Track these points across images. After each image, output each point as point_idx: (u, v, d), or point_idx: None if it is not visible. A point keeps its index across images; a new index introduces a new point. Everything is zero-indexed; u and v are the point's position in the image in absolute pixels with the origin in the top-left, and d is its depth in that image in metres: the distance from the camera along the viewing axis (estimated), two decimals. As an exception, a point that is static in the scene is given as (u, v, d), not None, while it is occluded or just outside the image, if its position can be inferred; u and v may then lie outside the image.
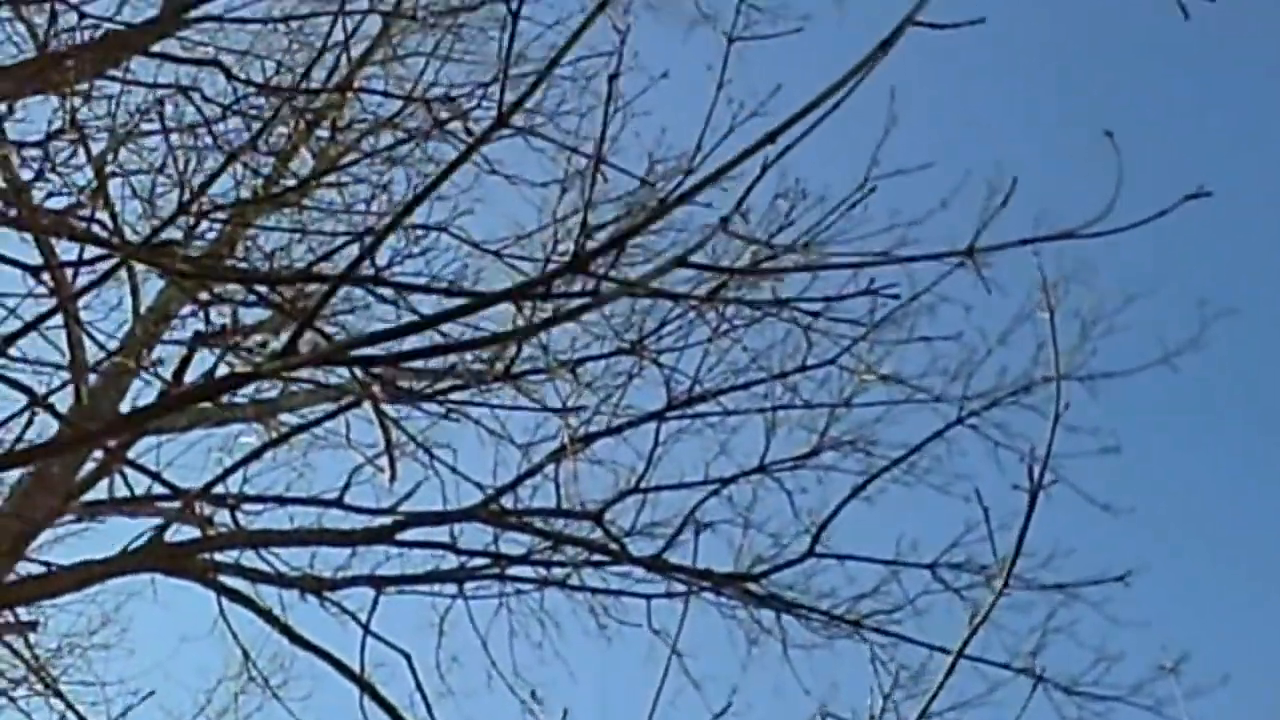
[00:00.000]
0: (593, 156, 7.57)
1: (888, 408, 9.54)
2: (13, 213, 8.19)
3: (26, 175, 8.72)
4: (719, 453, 9.53)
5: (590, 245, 5.44)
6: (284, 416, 10.10)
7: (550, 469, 9.51)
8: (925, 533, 9.41)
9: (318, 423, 9.96)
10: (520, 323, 7.52)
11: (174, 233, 8.77)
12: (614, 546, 9.34)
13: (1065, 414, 4.63)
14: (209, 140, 9.45)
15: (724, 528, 9.46)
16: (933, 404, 9.47)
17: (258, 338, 9.47)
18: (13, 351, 8.35)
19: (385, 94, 9.74)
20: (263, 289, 8.68)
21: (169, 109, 9.47)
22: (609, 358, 9.49)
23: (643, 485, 9.46)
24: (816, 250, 6.80)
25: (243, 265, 8.63)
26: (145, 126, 9.37)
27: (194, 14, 9.25)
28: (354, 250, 8.56)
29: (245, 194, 9.26)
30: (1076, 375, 8.62)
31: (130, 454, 9.77)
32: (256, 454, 9.75)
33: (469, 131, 9.13)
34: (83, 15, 9.12)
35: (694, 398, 9.52)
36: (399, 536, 9.36)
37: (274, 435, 9.93)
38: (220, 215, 8.94)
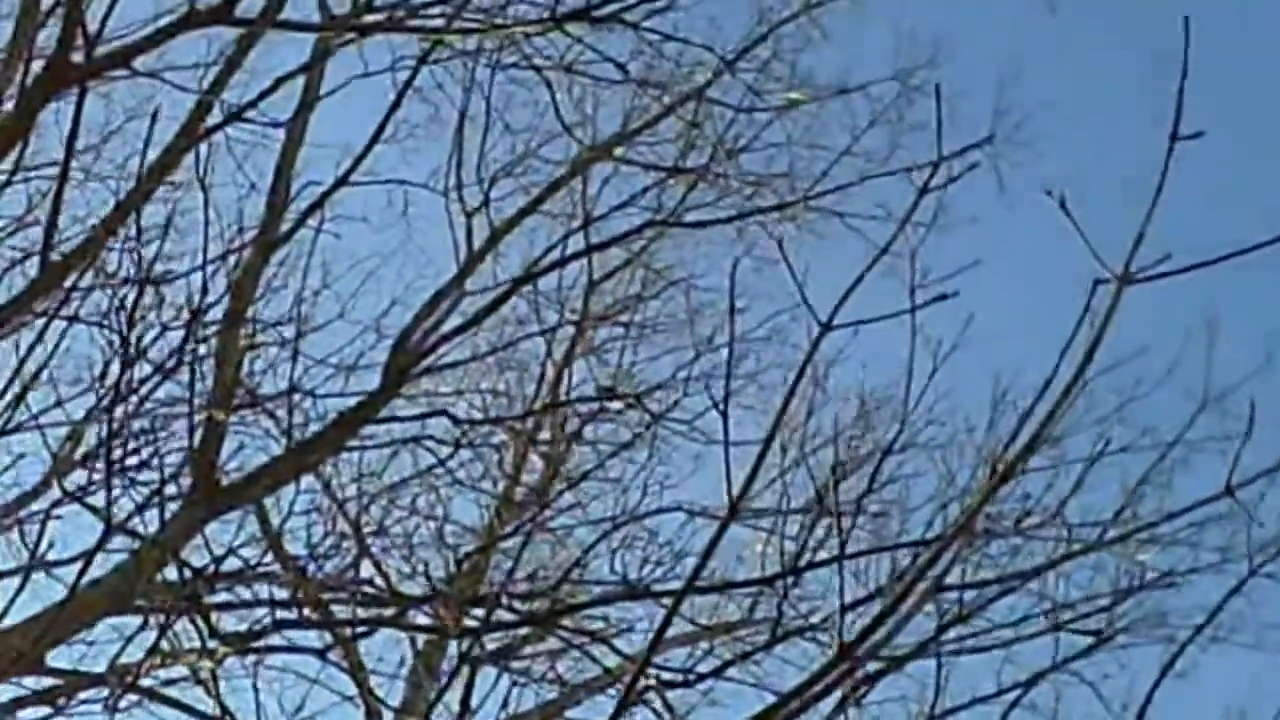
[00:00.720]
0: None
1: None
2: (296, 593, 9.04)
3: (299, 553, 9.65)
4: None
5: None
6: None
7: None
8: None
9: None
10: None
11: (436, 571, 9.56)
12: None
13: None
14: (446, 477, 10.33)
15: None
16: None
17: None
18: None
19: (596, 398, 10.48)
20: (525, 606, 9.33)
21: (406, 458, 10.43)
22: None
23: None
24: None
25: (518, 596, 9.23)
26: (388, 479, 10.31)
27: (416, 371, 10.17)
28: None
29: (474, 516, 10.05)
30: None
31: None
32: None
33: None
34: (316, 397, 10.15)
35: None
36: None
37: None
38: (470, 547, 9.70)
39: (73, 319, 8.18)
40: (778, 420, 4.09)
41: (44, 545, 7.65)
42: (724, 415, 4.48)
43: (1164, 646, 9.47)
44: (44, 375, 9.06)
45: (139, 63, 9.17)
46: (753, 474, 4.23)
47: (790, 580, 7.74)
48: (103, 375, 6.45)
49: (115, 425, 8.09)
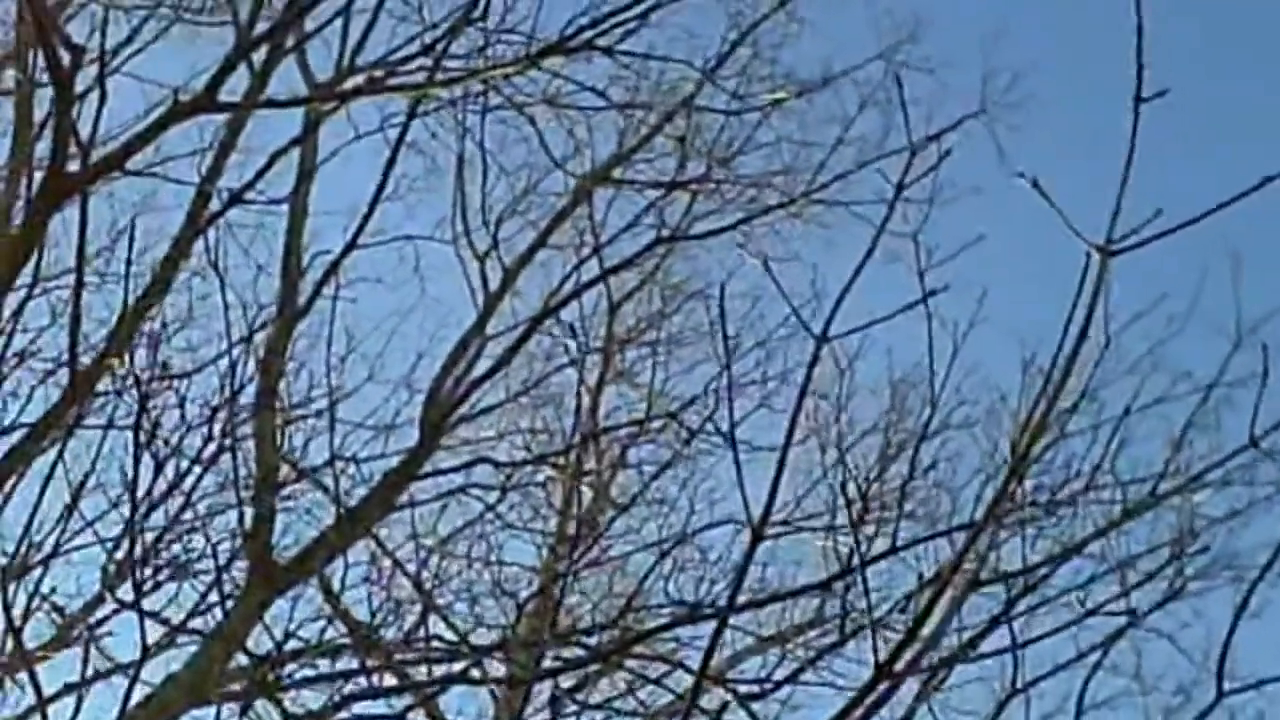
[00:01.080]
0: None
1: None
2: (367, 659, 9.12)
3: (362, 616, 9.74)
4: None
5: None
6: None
7: None
8: None
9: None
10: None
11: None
12: None
13: None
14: (497, 522, 10.40)
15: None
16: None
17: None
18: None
19: (632, 424, 10.54)
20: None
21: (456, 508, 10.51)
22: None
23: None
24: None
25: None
26: (441, 532, 10.39)
27: (452, 422, 10.25)
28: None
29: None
30: None
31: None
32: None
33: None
34: (359, 462, 10.26)
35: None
36: None
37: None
38: (531, 589, 9.76)
39: (107, 426, 8.30)
40: (787, 440, 4.10)
41: (105, 655, 7.75)
42: (732, 442, 4.51)
43: (1235, 588, 9.43)
44: (89, 483, 9.19)
45: (134, 160, 9.31)
46: (771, 497, 4.25)
47: (847, 580, 7.75)
48: (134, 478, 6.55)
49: (164, 525, 8.20)
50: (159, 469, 7.92)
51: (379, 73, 9.55)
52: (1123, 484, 9.28)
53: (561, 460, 10.48)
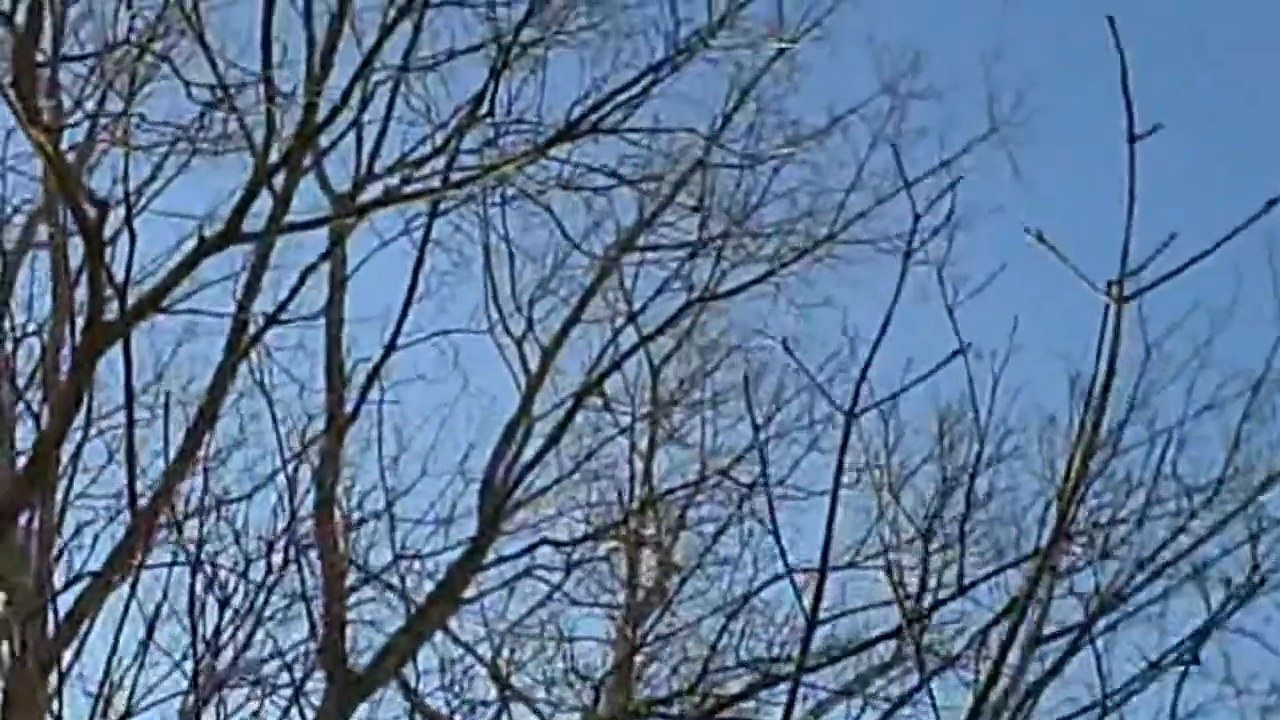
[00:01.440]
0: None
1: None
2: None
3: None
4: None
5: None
6: None
7: None
8: None
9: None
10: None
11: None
12: None
13: None
14: (565, 600, 10.51)
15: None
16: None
17: None
18: None
19: (686, 486, 10.64)
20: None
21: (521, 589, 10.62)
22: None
23: None
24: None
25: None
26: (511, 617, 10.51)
27: (509, 507, 10.40)
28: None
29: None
30: None
31: None
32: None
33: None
34: (423, 558, 10.41)
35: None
36: None
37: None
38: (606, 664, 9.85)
39: (171, 563, 8.47)
40: (830, 517, 4.18)
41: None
42: (771, 513, 4.60)
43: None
44: (164, 612, 9.35)
45: (169, 297, 9.51)
46: (821, 580, 4.34)
47: (919, 623, 7.79)
48: (194, 618, 6.70)
49: (237, 649, 8.35)
50: (224, 604, 8.07)
51: (396, 179, 9.74)
52: (1187, 490, 9.24)
53: (621, 530, 10.58)
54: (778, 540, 4.19)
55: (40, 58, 8.90)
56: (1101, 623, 9.02)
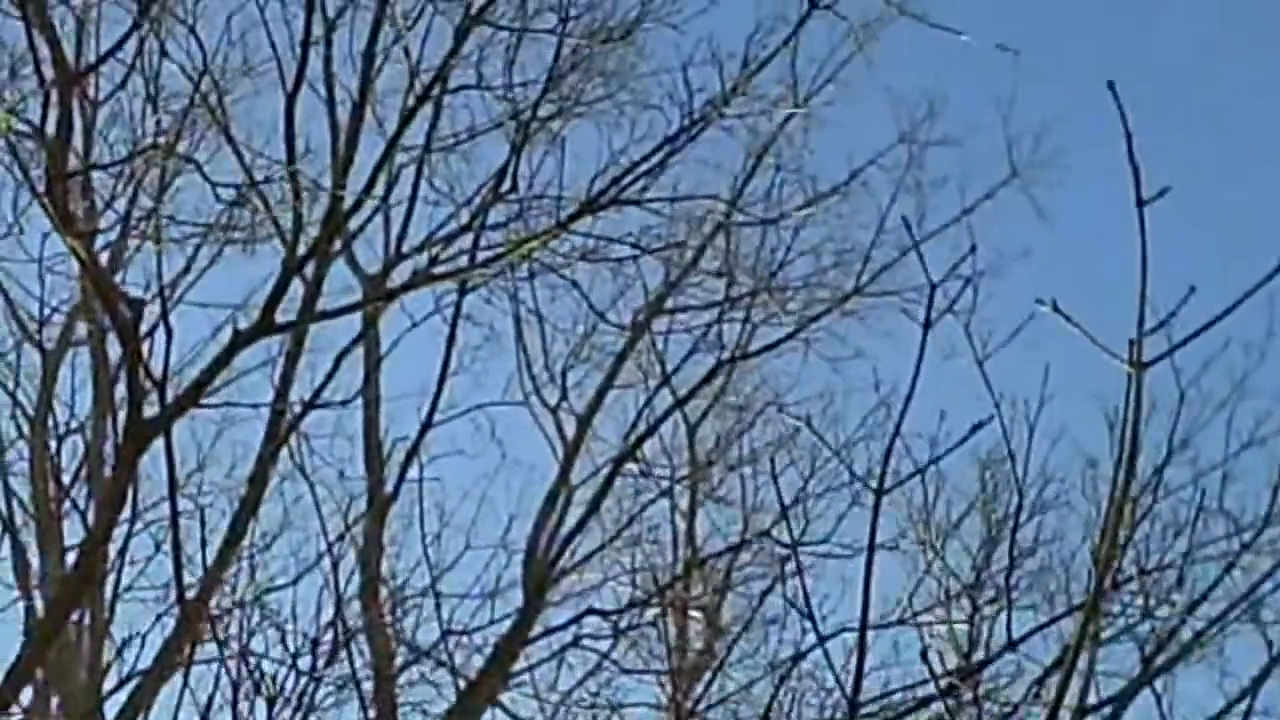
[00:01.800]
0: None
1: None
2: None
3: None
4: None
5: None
6: None
7: None
8: None
9: None
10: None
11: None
12: None
13: None
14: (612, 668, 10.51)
15: None
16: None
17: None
18: None
19: (730, 549, 10.66)
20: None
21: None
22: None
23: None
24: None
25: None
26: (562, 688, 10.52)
27: (554, 577, 10.45)
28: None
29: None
30: None
31: None
32: None
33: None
34: (470, 633, 10.44)
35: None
36: None
37: None
38: None
39: (221, 659, 8.52)
40: (866, 586, 4.21)
41: None
42: (803, 586, 4.61)
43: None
44: (215, 703, 9.41)
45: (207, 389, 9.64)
46: (860, 663, 4.36)
47: (971, 679, 7.76)
48: (239, 703, 6.76)
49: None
50: (273, 701, 8.12)
51: (424, 258, 9.86)
52: (1237, 526, 9.15)
53: (667, 595, 10.60)
54: (811, 619, 4.26)
55: (72, 162, 9.07)
56: (1158, 660, 8.97)
